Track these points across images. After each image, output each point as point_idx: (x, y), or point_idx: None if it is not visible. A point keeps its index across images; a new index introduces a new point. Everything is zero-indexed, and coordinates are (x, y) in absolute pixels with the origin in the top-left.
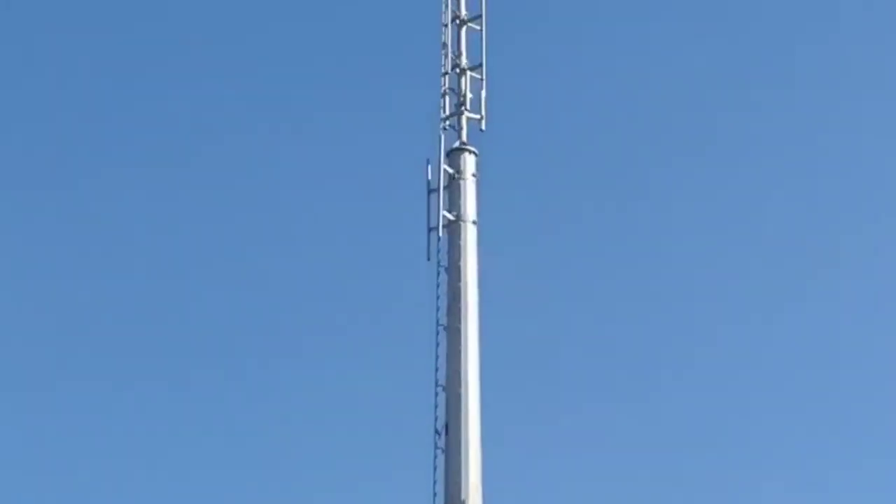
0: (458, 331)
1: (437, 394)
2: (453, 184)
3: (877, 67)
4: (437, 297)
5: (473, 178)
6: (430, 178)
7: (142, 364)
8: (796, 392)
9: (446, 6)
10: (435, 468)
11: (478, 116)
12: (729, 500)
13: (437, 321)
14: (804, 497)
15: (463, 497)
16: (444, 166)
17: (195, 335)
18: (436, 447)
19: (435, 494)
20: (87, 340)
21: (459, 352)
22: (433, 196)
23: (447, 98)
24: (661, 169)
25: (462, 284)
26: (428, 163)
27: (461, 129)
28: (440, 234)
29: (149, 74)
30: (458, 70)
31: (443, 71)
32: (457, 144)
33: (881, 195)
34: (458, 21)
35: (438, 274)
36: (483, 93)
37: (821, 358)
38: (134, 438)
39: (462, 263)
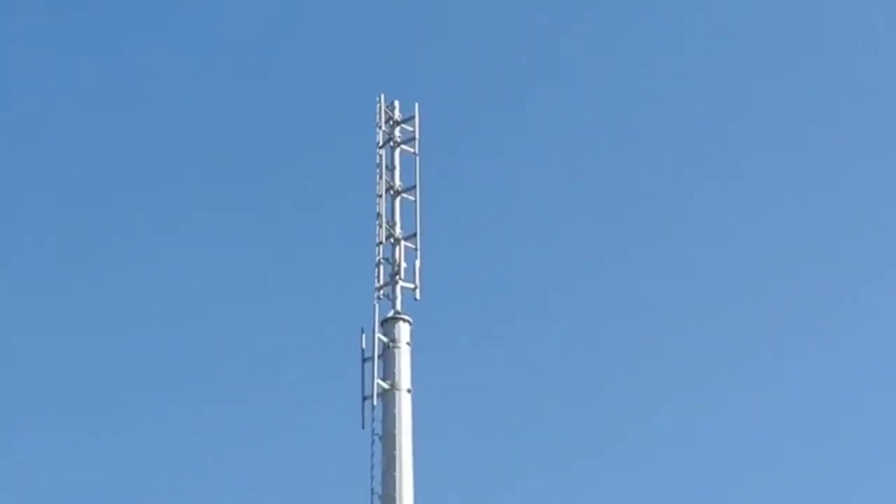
0: (393, 499)
1: None
2: (387, 353)
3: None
4: (372, 466)
5: (408, 347)
6: (364, 346)
7: None
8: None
9: (380, 177)
10: None
11: (412, 286)
12: None
13: (372, 490)
14: None
15: None
16: (378, 335)
17: None
18: None
19: None
20: None
21: None
22: (367, 365)
23: (381, 268)
24: (595, 339)
25: (397, 452)
26: (362, 332)
27: (395, 298)
28: (374, 402)
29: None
30: (392, 240)
31: (377, 241)
32: (391, 313)
33: None
34: (392, 192)
35: (373, 442)
36: (417, 262)
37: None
38: None
39: (397, 432)
